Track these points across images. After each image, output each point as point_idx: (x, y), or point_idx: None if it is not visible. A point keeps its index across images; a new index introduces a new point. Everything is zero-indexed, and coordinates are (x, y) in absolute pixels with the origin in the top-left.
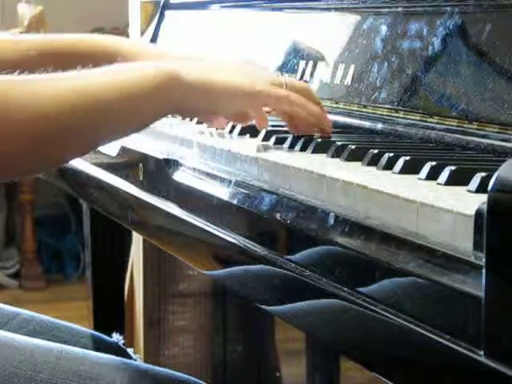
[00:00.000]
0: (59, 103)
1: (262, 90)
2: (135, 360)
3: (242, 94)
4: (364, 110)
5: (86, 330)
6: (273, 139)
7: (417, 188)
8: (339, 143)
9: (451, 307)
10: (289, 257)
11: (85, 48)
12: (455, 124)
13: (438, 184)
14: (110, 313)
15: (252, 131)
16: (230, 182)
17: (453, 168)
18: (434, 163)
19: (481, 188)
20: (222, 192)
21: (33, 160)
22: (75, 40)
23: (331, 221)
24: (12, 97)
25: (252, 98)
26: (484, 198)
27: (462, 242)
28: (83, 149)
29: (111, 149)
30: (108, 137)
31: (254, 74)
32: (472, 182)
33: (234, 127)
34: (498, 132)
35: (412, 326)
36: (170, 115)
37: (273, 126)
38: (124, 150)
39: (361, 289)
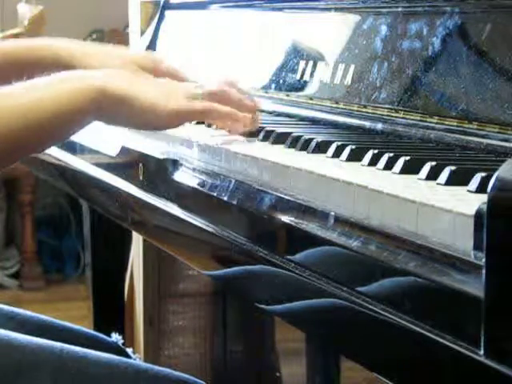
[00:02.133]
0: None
1: (174, 109)
2: (135, 360)
3: (157, 114)
4: (364, 109)
5: (86, 329)
6: (271, 138)
7: (417, 188)
8: (339, 143)
9: (451, 307)
10: (289, 257)
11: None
12: (455, 124)
13: (438, 184)
14: (109, 313)
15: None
16: (230, 181)
17: (453, 168)
18: (433, 163)
19: (481, 188)
20: (222, 192)
21: None
22: (32, 47)
23: (331, 221)
24: None
25: (168, 117)
26: (484, 198)
27: (462, 242)
28: (18, 156)
29: (111, 149)
30: (41, 146)
31: (169, 90)
32: (472, 182)
33: None
34: (498, 132)
35: (412, 326)
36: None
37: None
38: (124, 150)
39: (360, 289)
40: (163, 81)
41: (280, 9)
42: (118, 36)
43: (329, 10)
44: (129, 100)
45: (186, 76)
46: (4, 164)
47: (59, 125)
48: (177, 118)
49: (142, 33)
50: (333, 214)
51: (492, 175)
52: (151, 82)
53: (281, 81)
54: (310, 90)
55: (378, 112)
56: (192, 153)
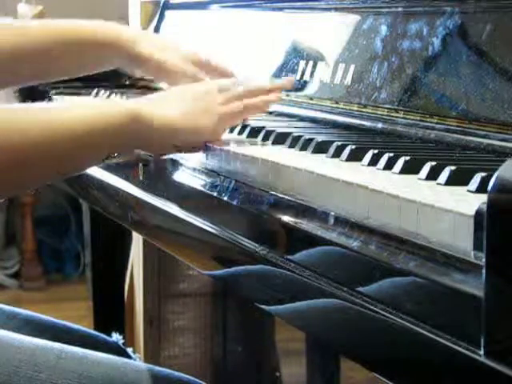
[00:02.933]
0: (24, 137)
1: (216, 129)
2: (135, 360)
3: (201, 136)
4: (364, 109)
5: (86, 329)
6: (271, 138)
7: (417, 188)
8: (339, 143)
9: (451, 307)
10: (289, 257)
11: (88, 35)
12: (455, 124)
13: (438, 184)
14: (109, 313)
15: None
16: (230, 181)
17: (453, 168)
18: (433, 163)
19: (481, 188)
20: (222, 192)
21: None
22: (79, 27)
23: (331, 221)
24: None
25: (211, 137)
26: (484, 198)
27: (462, 242)
28: (46, 179)
29: None
30: (72, 170)
31: (206, 106)
32: (472, 181)
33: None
34: (498, 132)
35: (412, 326)
36: None
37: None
38: None
39: (360, 289)
40: (199, 96)
41: (280, 9)
42: None
43: (329, 9)
44: (169, 125)
45: (233, 72)
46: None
47: (84, 150)
48: (222, 128)
49: None
50: (333, 214)
51: (492, 175)
52: (189, 101)
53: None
54: (310, 89)
55: (378, 112)
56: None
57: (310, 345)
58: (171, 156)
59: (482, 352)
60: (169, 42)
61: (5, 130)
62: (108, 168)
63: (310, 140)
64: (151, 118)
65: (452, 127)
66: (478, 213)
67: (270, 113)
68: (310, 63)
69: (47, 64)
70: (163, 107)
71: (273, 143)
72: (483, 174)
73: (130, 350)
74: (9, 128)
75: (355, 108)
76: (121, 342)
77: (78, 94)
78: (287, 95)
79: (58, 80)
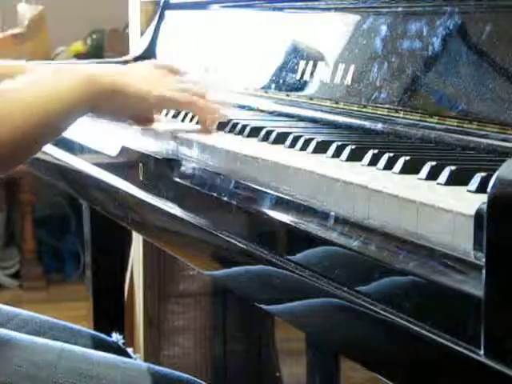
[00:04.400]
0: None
1: (158, 95)
2: (135, 360)
3: (144, 97)
4: (364, 109)
5: (86, 329)
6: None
7: (417, 188)
8: (339, 143)
9: (451, 307)
10: (289, 257)
11: None
12: (455, 124)
13: (438, 184)
14: (109, 313)
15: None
16: (230, 181)
17: (453, 168)
18: (433, 163)
19: (481, 188)
20: (222, 192)
21: None
22: None
23: (331, 221)
24: None
25: (152, 100)
26: (484, 198)
27: (462, 242)
28: (20, 156)
29: (111, 149)
30: (40, 143)
31: (156, 80)
32: (472, 182)
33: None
34: (498, 132)
35: (412, 326)
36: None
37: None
38: (124, 150)
39: (360, 289)
40: (153, 72)
41: (280, 9)
42: (117, 36)
43: (329, 9)
44: (119, 87)
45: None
46: (8, 164)
47: (59, 118)
48: (160, 103)
49: (142, 33)
50: (333, 214)
51: (492, 175)
52: (141, 73)
53: (281, 81)
54: (310, 89)
55: (378, 112)
56: (192, 153)
57: (310, 345)
58: (171, 156)
59: (481, 352)
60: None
61: None
62: (108, 168)
63: (310, 140)
64: (107, 81)
65: (452, 127)
66: (478, 213)
67: (270, 113)
68: (310, 63)
69: None
70: (119, 72)
71: (273, 143)
72: (483, 174)
73: (130, 350)
74: None
75: (355, 108)
76: (121, 342)
77: None
78: (287, 95)
79: None
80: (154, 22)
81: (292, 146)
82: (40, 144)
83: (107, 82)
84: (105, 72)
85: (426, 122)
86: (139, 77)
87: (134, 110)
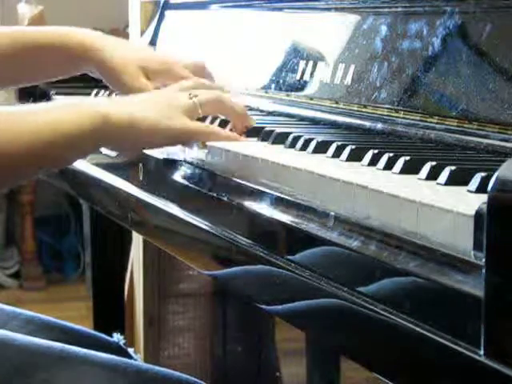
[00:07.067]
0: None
1: (175, 133)
2: (136, 360)
3: (161, 135)
4: (364, 109)
5: (86, 329)
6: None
7: (417, 188)
8: (339, 143)
9: (451, 307)
10: (289, 257)
11: (60, 41)
12: (455, 124)
13: (438, 184)
14: (110, 313)
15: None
16: (230, 181)
17: (453, 168)
18: (434, 163)
19: (481, 188)
20: (222, 192)
21: None
22: (50, 32)
23: (331, 221)
24: None
25: (172, 140)
26: (484, 198)
27: (462, 242)
28: (26, 176)
29: None
30: (45, 168)
31: (169, 109)
32: (472, 182)
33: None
34: (498, 132)
35: (412, 326)
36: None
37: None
38: None
39: (360, 289)
40: (162, 95)
41: (280, 9)
42: (118, 36)
43: (329, 9)
44: (133, 125)
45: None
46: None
47: (60, 150)
48: (176, 141)
49: (142, 33)
50: (333, 214)
51: (492, 175)
52: (151, 103)
53: (281, 81)
54: (310, 89)
55: (378, 112)
56: (192, 153)
57: (310, 345)
58: (171, 156)
59: (481, 352)
60: (129, 47)
61: None
62: (108, 168)
63: (310, 140)
64: (120, 118)
65: (452, 127)
66: (478, 213)
67: (270, 113)
68: (310, 63)
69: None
70: (133, 108)
71: (273, 143)
72: (483, 174)
73: (131, 351)
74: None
75: (355, 108)
76: (122, 342)
77: (78, 94)
78: (287, 95)
79: (57, 80)
80: (154, 22)
81: (292, 146)
82: (35, 171)
83: (123, 120)
84: (120, 110)
85: (425, 121)
86: (157, 109)
87: (150, 147)
